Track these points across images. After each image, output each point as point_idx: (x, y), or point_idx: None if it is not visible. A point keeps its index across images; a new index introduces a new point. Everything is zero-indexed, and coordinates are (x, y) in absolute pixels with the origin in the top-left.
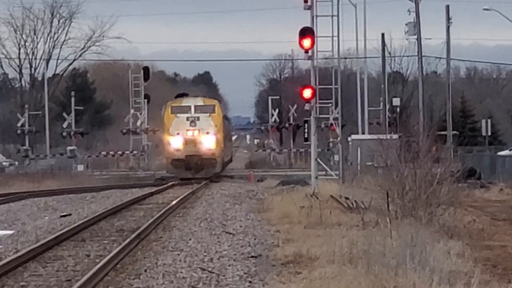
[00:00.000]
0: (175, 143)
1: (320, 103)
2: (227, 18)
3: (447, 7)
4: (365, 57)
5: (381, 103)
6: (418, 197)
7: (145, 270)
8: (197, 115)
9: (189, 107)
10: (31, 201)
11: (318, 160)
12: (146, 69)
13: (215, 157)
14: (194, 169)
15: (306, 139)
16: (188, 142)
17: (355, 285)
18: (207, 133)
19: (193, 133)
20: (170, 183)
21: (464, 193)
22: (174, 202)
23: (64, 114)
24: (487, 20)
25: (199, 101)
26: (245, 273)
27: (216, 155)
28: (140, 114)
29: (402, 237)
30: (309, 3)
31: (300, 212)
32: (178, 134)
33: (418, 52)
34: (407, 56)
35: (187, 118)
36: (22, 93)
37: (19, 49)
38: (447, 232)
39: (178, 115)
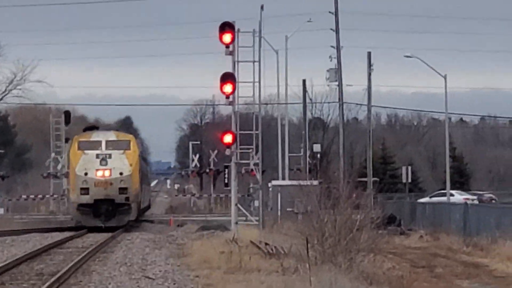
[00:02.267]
0: (82, 185)
1: (241, 149)
2: (147, 63)
3: (369, 54)
4: (286, 103)
5: (302, 149)
6: (338, 243)
7: None
8: (109, 152)
9: (100, 142)
10: None
11: (239, 205)
12: (67, 113)
13: (130, 202)
14: (104, 216)
15: (227, 184)
16: (98, 184)
17: None
18: (121, 173)
19: (103, 173)
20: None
21: (384, 239)
22: (94, 246)
23: None
24: (405, 68)
25: (112, 136)
26: None
27: (130, 199)
28: (61, 157)
29: (322, 283)
30: (230, 49)
31: (220, 258)
32: (86, 174)
33: (339, 98)
34: (328, 103)
35: (97, 156)
36: None
37: None
38: (366, 279)
39: (86, 151)
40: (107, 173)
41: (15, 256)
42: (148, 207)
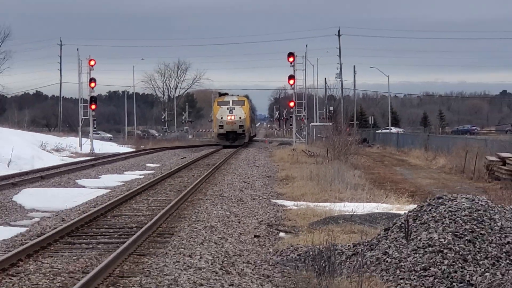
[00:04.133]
0: (219, 123)
1: (298, 109)
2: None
3: (354, 66)
4: (317, 88)
5: (325, 109)
6: (341, 151)
7: (218, 182)
8: (233, 106)
9: (229, 101)
10: (168, 151)
11: (296, 134)
12: (220, 94)
13: (245, 133)
14: (232, 140)
15: (291, 125)
16: (228, 123)
17: (313, 189)
18: (240, 118)
19: (231, 118)
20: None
21: (361, 149)
22: (231, 152)
23: (183, 113)
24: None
25: (235, 98)
26: (263, 184)
27: (245, 131)
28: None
29: (334, 168)
30: (292, 62)
31: (288, 157)
32: (222, 118)
33: (341, 86)
34: (336, 88)
35: (228, 108)
36: (164, 103)
37: (163, 83)
38: (353, 166)
39: (221, 106)
40: (232, 117)
41: (196, 156)
42: (255, 135)
